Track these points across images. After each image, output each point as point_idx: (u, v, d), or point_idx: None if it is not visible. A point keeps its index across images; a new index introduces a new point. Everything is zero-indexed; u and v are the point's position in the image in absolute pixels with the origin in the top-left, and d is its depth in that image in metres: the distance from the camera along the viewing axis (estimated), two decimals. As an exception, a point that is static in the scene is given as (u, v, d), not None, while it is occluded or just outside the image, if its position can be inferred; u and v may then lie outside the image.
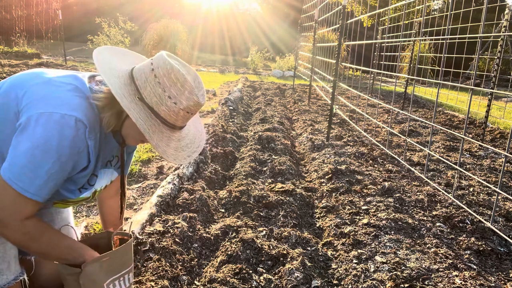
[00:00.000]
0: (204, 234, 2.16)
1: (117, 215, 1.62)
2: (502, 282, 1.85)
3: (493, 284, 1.77)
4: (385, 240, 2.13)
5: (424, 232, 2.29)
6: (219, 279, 1.71)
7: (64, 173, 1.11)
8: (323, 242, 2.24)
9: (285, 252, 1.96)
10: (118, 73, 1.15)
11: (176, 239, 2.00)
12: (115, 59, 1.22)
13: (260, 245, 2.00)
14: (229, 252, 1.94)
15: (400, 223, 2.36)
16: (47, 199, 1.11)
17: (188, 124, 1.27)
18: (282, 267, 1.85)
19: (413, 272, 1.81)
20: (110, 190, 1.55)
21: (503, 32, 4.61)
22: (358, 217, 2.47)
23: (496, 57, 4.97)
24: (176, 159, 1.18)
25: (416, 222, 2.40)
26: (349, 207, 2.61)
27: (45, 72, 1.20)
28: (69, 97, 1.11)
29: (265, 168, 3.37)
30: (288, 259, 1.90)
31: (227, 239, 2.13)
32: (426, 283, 1.75)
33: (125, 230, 1.55)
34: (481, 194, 2.93)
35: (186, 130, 1.26)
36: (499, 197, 2.81)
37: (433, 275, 1.82)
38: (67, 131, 1.05)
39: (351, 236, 2.21)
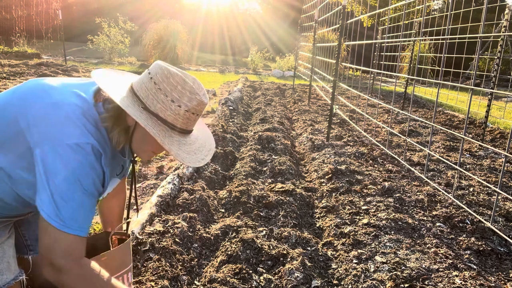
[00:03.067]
0: (204, 234, 2.16)
1: (116, 215, 1.63)
2: (502, 282, 1.85)
3: (493, 284, 1.77)
4: (385, 240, 2.13)
5: (424, 232, 2.29)
6: (219, 279, 1.71)
7: (95, 198, 1.13)
8: (323, 242, 2.24)
9: (285, 252, 1.96)
10: (119, 88, 1.17)
11: (176, 239, 2.00)
12: (113, 78, 1.24)
13: (260, 245, 2.00)
14: (229, 252, 1.94)
15: (400, 223, 2.36)
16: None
17: (196, 130, 1.28)
18: (282, 267, 1.85)
19: (413, 272, 1.81)
20: (110, 193, 1.56)
21: (503, 32, 4.61)
22: (358, 217, 2.47)
23: (496, 57, 4.97)
24: (190, 162, 1.19)
25: (416, 222, 2.40)
26: (349, 207, 2.60)
27: (49, 88, 1.16)
28: (81, 125, 1.09)
29: (265, 168, 3.37)
30: (288, 259, 1.90)
31: (227, 239, 2.13)
32: (426, 283, 1.75)
33: (124, 230, 1.55)
34: (481, 194, 2.93)
35: (195, 135, 1.27)
36: (499, 197, 2.81)
37: (433, 275, 1.82)
38: (88, 157, 1.07)
39: (351, 236, 2.20)
